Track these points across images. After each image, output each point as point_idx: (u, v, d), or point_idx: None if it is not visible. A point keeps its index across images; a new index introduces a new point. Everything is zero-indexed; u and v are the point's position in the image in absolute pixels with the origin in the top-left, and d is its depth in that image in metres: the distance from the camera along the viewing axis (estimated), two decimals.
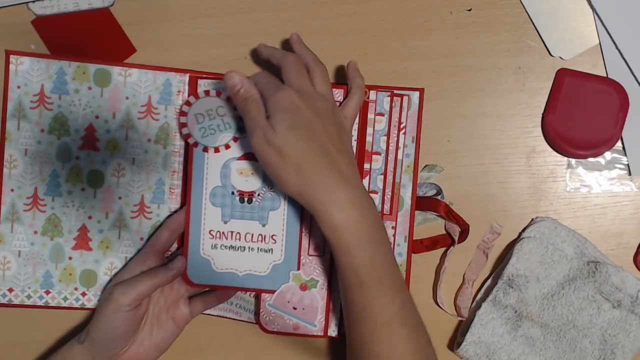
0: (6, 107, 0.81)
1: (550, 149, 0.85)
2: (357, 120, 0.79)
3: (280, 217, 0.79)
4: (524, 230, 0.84)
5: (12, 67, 0.80)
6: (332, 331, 0.81)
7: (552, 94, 0.84)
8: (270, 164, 0.70)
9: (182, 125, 0.78)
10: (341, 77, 0.84)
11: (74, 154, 0.81)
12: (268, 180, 0.78)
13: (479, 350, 0.82)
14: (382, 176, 0.81)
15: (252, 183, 0.78)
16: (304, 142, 0.70)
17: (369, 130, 0.81)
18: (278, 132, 0.70)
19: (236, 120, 0.78)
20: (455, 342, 0.85)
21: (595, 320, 0.82)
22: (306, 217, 0.79)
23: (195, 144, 0.78)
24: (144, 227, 0.83)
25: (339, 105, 0.77)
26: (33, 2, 0.84)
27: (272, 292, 0.79)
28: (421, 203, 0.84)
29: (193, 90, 0.80)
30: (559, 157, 0.85)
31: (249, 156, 0.78)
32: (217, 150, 0.78)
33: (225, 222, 0.79)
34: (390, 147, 0.81)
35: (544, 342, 0.82)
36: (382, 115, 0.81)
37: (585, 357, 0.82)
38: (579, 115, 0.83)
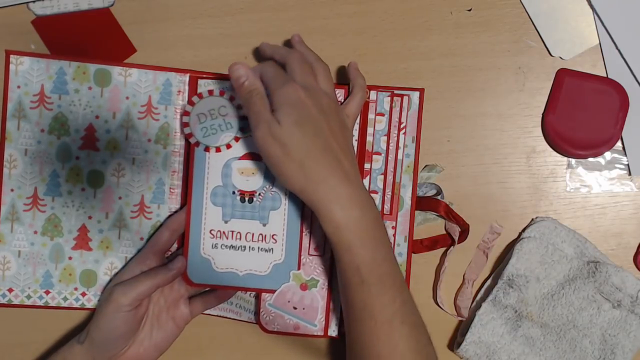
0: (6, 107, 0.81)
1: (550, 149, 0.85)
2: (357, 120, 0.79)
3: (280, 216, 0.79)
4: (524, 230, 0.84)
5: (12, 67, 0.80)
6: (333, 331, 0.81)
7: (552, 94, 0.84)
8: (273, 159, 0.70)
9: (184, 124, 0.78)
10: (341, 77, 0.84)
11: (74, 154, 0.81)
12: (269, 180, 0.78)
13: (479, 350, 0.82)
14: (382, 176, 0.81)
15: (253, 183, 0.78)
16: (309, 139, 0.69)
17: (370, 130, 0.81)
18: (284, 127, 0.69)
19: (238, 120, 0.78)
20: (455, 342, 0.85)
21: (595, 320, 0.82)
22: (307, 217, 0.79)
23: (197, 143, 0.78)
24: (144, 227, 0.83)
25: (341, 105, 0.77)
26: (33, 2, 0.84)
27: (273, 291, 0.79)
28: (421, 203, 0.84)
29: (193, 90, 0.80)
30: (559, 157, 0.85)
31: (251, 156, 0.78)
32: (218, 149, 0.78)
33: (226, 222, 0.78)
34: (390, 147, 0.81)
35: (544, 342, 0.82)
36: (383, 115, 0.81)
37: (585, 357, 0.82)
38: (579, 115, 0.83)
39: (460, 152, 0.85)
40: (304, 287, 0.79)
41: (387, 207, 0.82)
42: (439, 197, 0.84)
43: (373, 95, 0.81)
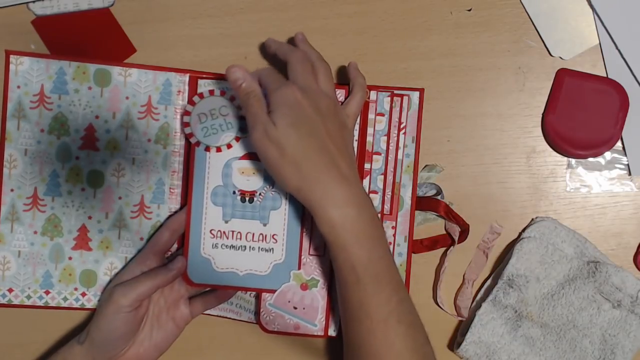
0: (6, 107, 0.81)
1: (550, 149, 0.85)
2: (358, 121, 0.79)
3: (281, 216, 0.79)
4: (524, 230, 0.84)
5: (12, 67, 0.80)
6: (333, 331, 0.81)
7: (552, 94, 0.84)
8: (269, 160, 0.71)
9: (185, 124, 0.78)
10: (341, 77, 0.84)
11: (74, 154, 0.81)
12: (269, 180, 0.78)
13: (479, 350, 0.82)
14: (382, 176, 0.81)
15: (253, 182, 0.78)
16: (304, 139, 0.70)
17: (370, 130, 0.81)
18: (279, 128, 0.70)
19: (239, 120, 0.78)
20: (455, 342, 0.85)
21: (595, 320, 0.82)
22: (307, 217, 0.79)
23: (198, 143, 0.78)
24: (144, 227, 0.83)
25: (341, 104, 0.77)
26: (33, 2, 0.84)
27: (273, 291, 0.79)
28: (421, 203, 0.84)
29: (193, 90, 0.80)
30: (559, 157, 0.85)
31: (251, 156, 0.78)
32: (219, 149, 0.78)
33: (226, 222, 0.78)
34: (390, 147, 0.81)
35: (544, 342, 0.82)
36: (383, 115, 0.81)
37: (585, 357, 0.82)
38: (579, 115, 0.83)
39: (460, 152, 0.85)
40: (304, 287, 0.79)
41: (387, 207, 0.82)
42: (439, 197, 0.84)
43: (373, 95, 0.81)
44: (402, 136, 0.82)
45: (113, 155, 0.82)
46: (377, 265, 0.70)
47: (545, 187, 0.85)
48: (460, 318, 0.85)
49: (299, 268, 0.79)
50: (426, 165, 0.85)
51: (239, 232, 0.79)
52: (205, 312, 0.83)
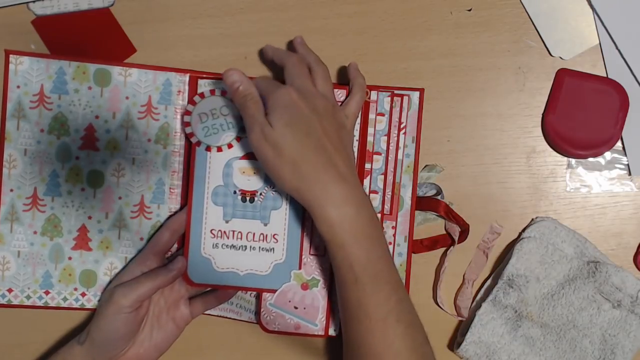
0: (6, 107, 0.80)
1: (550, 149, 0.85)
2: (358, 121, 0.79)
3: (282, 216, 0.79)
4: (524, 230, 0.84)
5: (11, 66, 0.80)
6: (333, 330, 0.81)
7: (552, 94, 0.84)
8: (267, 160, 0.71)
9: (185, 124, 0.78)
10: (341, 78, 0.84)
11: (74, 154, 0.81)
12: (270, 180, 0.78)
13: (479, 350, 0.82)
14: (383, 176, 0.81)
15: (254, 182, 0.78)
16: (301, 139, 0.70)
17: (370, 130, 0.81)
18: (275, 129, 0.70)
19: (239, 120, 0.78)
20: (455, 342, 0.85)
21: (595, 320, 0.82)
22: (308, 217, 0.79)
23: (198, 143, 0.78)
24: (143, 227, 0.82)
25: (341, 105, 0.77)
26: (33, 2, 0.84)
27: (274, 291, 0.79)
28: (421, 203, 0.84)
29: (193, 90, 0.80)
30: (559, 157, 0.85)
31: (252, 155, 0.77)
32: (219, 149, 0.78)
33: (227, 222, 0.78)
34: (390, 147, 0.81)
35: (544, 342, 0.82)
36: (383, 115, 0.81)
37: (585, 357, 0.82)
38: (579, 115, 0.83)
39: (460, 152, 0.85)
40: (305, 286, 0.79)
41: (387, 207, 0.82)
42: (439, 197, 0.84)
43: (374, 95, 0.81)
44: (402, 136, 0.82)
45: (113, 155, 0.82)
46: (376, 264, 0.70)
47: (545, 187, 0.85)
48: (460, 318, 0.85)
49: (300, 268, 0.79)
50: (426, 165, 0.85)
51: (239, 232, 0.79)
52: (206, 312, 0.83)
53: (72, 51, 0.83)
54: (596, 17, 0.84)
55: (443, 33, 0.85)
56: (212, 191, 0.78)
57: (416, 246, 0.84)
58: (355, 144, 0.80)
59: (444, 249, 0.85)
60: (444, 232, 0.85)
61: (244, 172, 0.78)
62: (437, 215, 0.85)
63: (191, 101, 0.78)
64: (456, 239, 0.84)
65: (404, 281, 0.81)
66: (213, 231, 0.78)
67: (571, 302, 0.82)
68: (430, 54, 0.85)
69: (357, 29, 0.85)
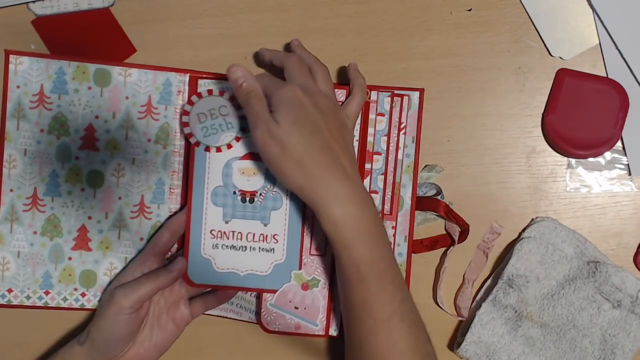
0: (5, 107, 0.80)
1: (550, 149, 0.85)
2: (358, 121, 0.79)
3: (282, 216, 0.78)
4: (524, 230, 0.84)
5: (11, 66, 0.80)
6: (334, 330, 0.81)
7: (552, 94, 0.84)
8: (272, 158, 0.70)
9: (184, 124, 0.78)
10: (342, 78, 0.84)
11: (74, 154, 0.81)
12: (270, 180, 0.78)
13: (479, 350, 0.82)
14: (383, 176, 0.81)
15: (254, 183, 0.78)
16: (307, 137, 0.70)
17: (370, 130, 0.81)
18: (282, 126, 0.70)
19: (239, 120, 0.78)
20: (455, 342, 0.85)
21: (595, 320, 0.82)
22: (308, 217, 0.79)
23: (197, 143, 0.78)
24: (143, 227, 0.82)
25: (342, 105, 0.77)
26: (33, 2, 0.84)
27: (274, 291, 0.79)
28: (421, 203, 0.84)
29: (193, 90, 0.80)
30: (559, 157, 0.85)
31: (252, 156, 0.78)
32: (219, 149, 0.78)
33: (227, 222, 0.78)
34: (390, 147, 0.81)
35: (544, 342, 0.82)
36: (383, 115, 0.81)
37: (585, 357, 0.82)
38: (579, 115, 0.83)
39: (460, 152, 0.85)
40: (305, 287, 0.79)
41: (387, 207, 0.82)
42: (439, 197, 0.84)
43: (374, 95, 0.81)
44: (402, 136, 0.82)
45: (113, 155, 0.81)
46: (380, 264, 0.70)
47: (545, 187, 0.85)
48: (460, 318, 0.85)
49: (300, 268, 0.79)
50: (426, 165, 0.85)
51: (239, 232, 0.79)
52: (206, 312, 0.83)
53: (72, 51, 0.83)
54: (596, 17, 0.84)
55: (443, 33, 0.85)
56: (211, 192, 0.78)
57: (416, 246, 0.84)
58: (356, 144, 0.80)
59: (444, 249, 0.85)
60: (444, 232, 0.85)
61: (243, 173, 0.78)
62: (437, 215, 0.85)
63: (189, 101, 0.78)
64: (456, 239, 0.84)
65: None
66: (213, 232, 0.78)
67: (571, 302, 0.82)
68: (430, 54, 0.85)
69: (357, 29, 0.85)
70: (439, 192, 0.84)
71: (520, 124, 0.85)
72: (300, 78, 0.74)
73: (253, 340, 0.85)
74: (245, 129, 0.77)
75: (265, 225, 0.78)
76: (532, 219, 0.85)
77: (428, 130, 0.84)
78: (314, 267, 0.79)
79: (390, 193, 0.82)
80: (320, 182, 0.70)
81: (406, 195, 0.82)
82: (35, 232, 0.82)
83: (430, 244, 0.85)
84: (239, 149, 0.78)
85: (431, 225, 0.86)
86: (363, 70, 0.80)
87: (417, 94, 0.83)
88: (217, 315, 0.84)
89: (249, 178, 0.78)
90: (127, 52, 0.84)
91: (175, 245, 0.82)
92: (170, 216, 0.82)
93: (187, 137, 0.78)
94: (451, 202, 0.84)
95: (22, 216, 0.81)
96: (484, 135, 0.85)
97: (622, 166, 0.85)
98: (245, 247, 0.79)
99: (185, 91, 0.81)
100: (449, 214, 0.83)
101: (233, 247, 0.79)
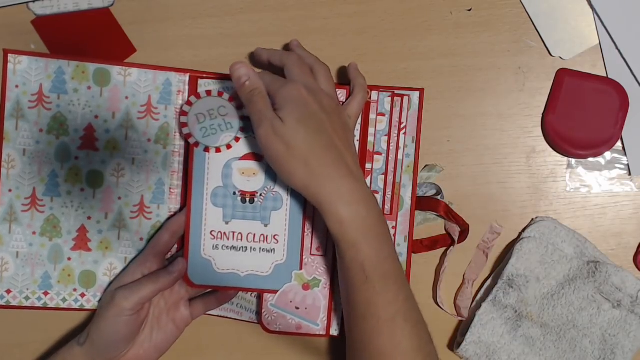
0: (4, 107, 0.80)
1: (550, 149, 0.85)
2: (359, 121, 0.79)
3: (282, 217, 0.78)
4: (524, 230, 0.84)
5: (10, 66, 0.80)
6: (335, 330, 0.81)
7: (552, 94, 0.84)
8: (276, 156, 0.70)
9: (182, 125, 0.78)
10: (342, 78, 0.84)
11: (73, 154, 0.81)
12: (270, 181, 0.78)
13: (479, 350, 0.82)
14: (383, 176, 0.81)
15: (254, 183, 0.78)
16: (312, 136, 0.70)
17: (371, 130, 0.81)
18: (287, 124, 0.69)
19: (238, 120, 0.78)
20: (455, 342, 0.85)
21: (595, 320, 0.82)
22: (308, 217, 0.79)
23: (196, 144, 0.77)
24: (143, 227, 0.82)
25: (342, 105, 0.77)
26: (33, 2, 0.83)
27: (275, 292, 0.79)
28: (421, 203, 0.84)
29: (193, 90, 0.79)
30: (559, 157, 0.85)
31: (251, 156, 0.78)
32: (218, 150, 0.77)
33: (227, 223, 0.78)
34: (390, 147, 0.81)
35: (544, 342, 0.82)
36: (383, 115, 0.81)
37: (585, 357, 0.82)
38: (579, 115, 0.83)
39: (460, 152, 0.85)
40: (306, 287, 0.79)
41: (387, 207, 0.82)
42: (439, 197, 0.84)
43: (374, 95, 0.81)
44: (402, 136, 0.82)
45: (113, 156, 0.81)
46: (385, 263, 0.70)
47: (545, 187, 0.85)
48: (460, 318, 0.85)
49: (301, 268, 0.79)
50: (426, 165, 0.85)
51: (239, 233, 0.78)
52: (206, 313, 0.82)
53: (72, 51, 0.83)
54: (596, 17, 0.84)
55: (443, 33, 0.85)
56: (211, 192, 0.78)
57: (416, 246, 0.84)
58: (356, 144, 0.80)
59: (444, 249, 0.85)
60: (444, 232, 0.85)
61: (243, 173, 0.78)
62: (437, 215, 0.85)
63: (187, 102, 0.78)
64: (456, 239, 0.84)
65: None
66: (213, 232, 0.78)
67: (571, 302, 0.82)
68: (430, 54, 0.85)
69: (357, 29, 0.85)
70: (439, 192, 0.84)
71: (520, 124, 0.85)
72: (302, 77, 0.74)
73: (254, 341, 0.85)
74: (244, 129, 0.77)
75: (266, 225, 0.78)
76: (532, 219, 0.85)
77: (428, 130, 0.84)
78: (314, 267, 0.79)
79: (390, 193, 0.82)
80: (326, 180, 0.69)
81: (406, 195, 0.82)
82: (34, 233, 0.81)
83: (430, 244, 0.85)
84: (239, 149, 0.78)
85: (431, 225, 0.86)
86: (363, 70, 0.80)
87: (417, 94, 0.83)
88: (218, 316, 0.84)
89: (249, 178, 0.78)
90: (127, 52, 0.84)
91: (176, 246, 0.82)
92: (170, 217, 0.82)
93: (186, 138, 0.78)
94: (451, 202, 0.84)
95: (21, 216, 0.81)
96: (484, 135, 0.85)
97: (622, 166, 0.85)
98: (246, 247, 0.78)
99: (185, 91, 0.81)
100: (449, 214, 0.83)
101: (233, 247, 0.78)
